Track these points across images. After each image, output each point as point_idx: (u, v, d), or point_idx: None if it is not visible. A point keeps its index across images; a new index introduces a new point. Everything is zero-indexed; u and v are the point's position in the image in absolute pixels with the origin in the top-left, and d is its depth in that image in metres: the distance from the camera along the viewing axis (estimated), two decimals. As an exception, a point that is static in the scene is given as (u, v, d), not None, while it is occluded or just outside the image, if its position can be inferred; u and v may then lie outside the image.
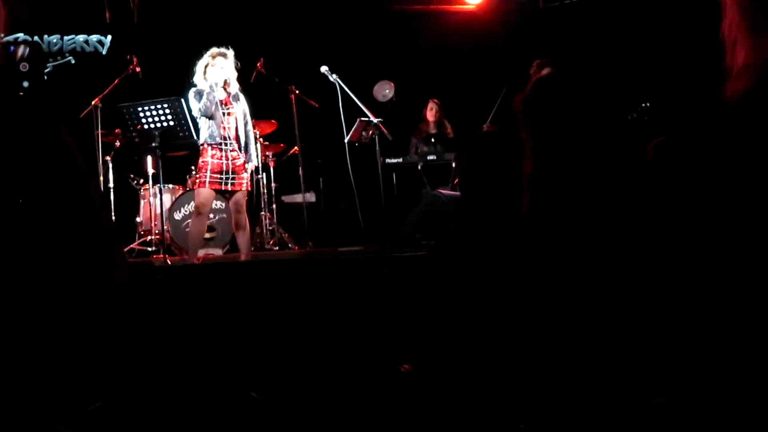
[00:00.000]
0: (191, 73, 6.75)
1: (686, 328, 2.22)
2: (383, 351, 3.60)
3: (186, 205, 8.53)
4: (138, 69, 7.92)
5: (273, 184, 9.38)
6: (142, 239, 8.67)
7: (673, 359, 2.26)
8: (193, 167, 8.49)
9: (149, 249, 8.55)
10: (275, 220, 9.19)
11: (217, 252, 8.55)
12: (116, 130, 8.34)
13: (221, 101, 6.70)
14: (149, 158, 8.68)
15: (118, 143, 8.63)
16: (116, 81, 7.90)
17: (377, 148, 8.08)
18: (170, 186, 8.80)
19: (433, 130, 9.40)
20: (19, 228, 2.15)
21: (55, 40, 10.14)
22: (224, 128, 6.69)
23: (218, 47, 6.77)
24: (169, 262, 6.76)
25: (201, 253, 7.38)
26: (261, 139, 8.90)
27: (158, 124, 6.60)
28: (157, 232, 8.39)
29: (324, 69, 7.82)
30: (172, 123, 6.58)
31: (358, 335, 3.98)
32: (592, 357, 2.41)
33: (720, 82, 2.30)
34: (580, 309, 2.44)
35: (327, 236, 9.42)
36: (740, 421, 2.06)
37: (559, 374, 2.45)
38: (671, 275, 2.28)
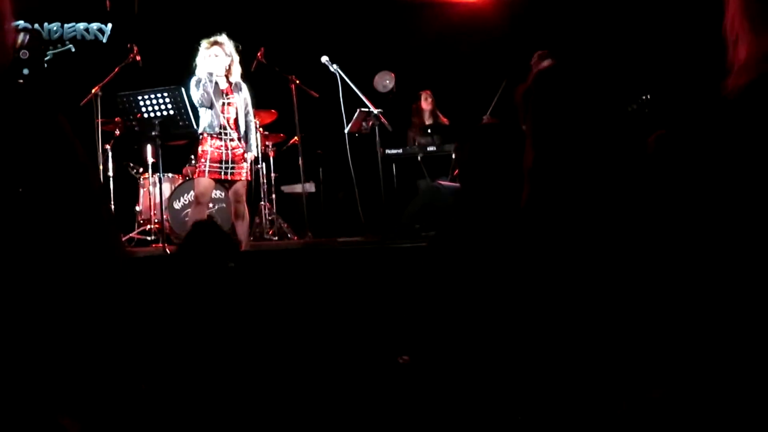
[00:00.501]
0: (192, 62, 6.74)
1: (684, 321, 2.22)
2: (381, 342, 3.60)
3: (185, 195, 8.52)
4: (138, 57, 7.90)
5: (273, 174, 9.37)
6: (142, 228, 8.67)
7: (670, 353, 2.26)
8: (192, 156, 8.48)
9: (148, 238, 8.55)
10: (275, 210, 9.18)
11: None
12: (116, 119, 8.32)
13: (222, 91, 6.69)
14: (149, 147, 8.67)
15: (117, 132, 8.61)
16: (116, 69, 7.88)
17: (377, 138, 8.07)
18: (170, 175, 8.79)
19: (428, 121, 9.39)
20: (18, 217, 2.15)
21: (55, 28, 10.12)
22: (224, 118, 6.68)
23: (215, 35, 6.75)
24: (168, 252, 6.76)
25: (200, 242, 7.36)
26: (261, 129, 8.89)
27: (158, 113, 6.58)
28: (156, 221, 8.38)
29: (324, 59, 7.81)
30: (172, 112, 6.57)
31: (357, 326, 3.99)
32: (590, 349, 2.41)
33: (721, 76, 2.30)
34: (578, 301, 2.44)
35: (326, 227, 9.42)
36: (736, 415, 2.06)
37: (557, 366, 2.45)
38: (670, 268, 2.29)
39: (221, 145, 6.66)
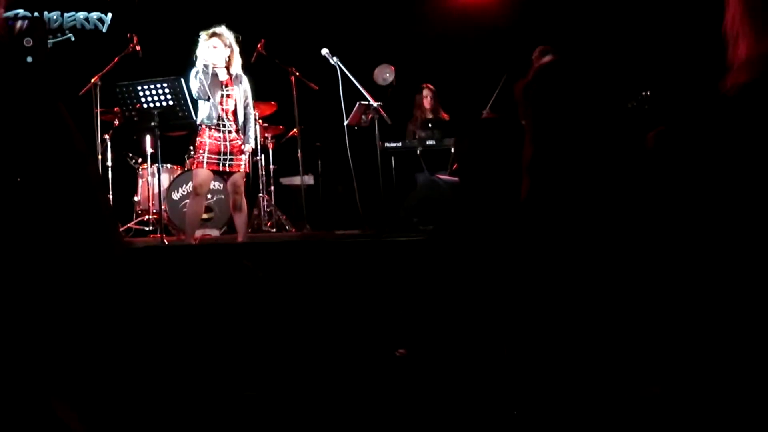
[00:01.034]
0: (192, 53, 6.73)
1: (683, 318, 2.22)
2: (378, 335, 3.61)
3: (184, 186, 8.52)
4: (138, 48, 7.88)
5: (271, 166, 9.38)
6: (140, 218, 8.68)
7: (668, 349, 2.27)
8: (191, 147, 8.48)
9: (146, 228, 8.56)
10: (273, 202, 9.19)
11: (214, 233, 8.55)
12: (115, 109, 8.32)
13: (222, 82, 6.68)
14: (148, 138, 8.67)
15: (117, 122, 8.62)
16: (116, 59, 7.88)
17: (376, 132, 8.07)
18: (168, 166, 8.79)
19: (429, 115, 9.39)
20: (15, 206, 2.15)
21: (55, 17, 10.11)
22: (223, 109, 6.68)
23: (214, 26, 6.75)
24: (166, 242, 6.76)
25: (198, 233, 7.38)
26: (260, 121, 8.89)
27: (157, 104, 6.58)
28: (154, 211, 8.39)
29: (325, 51, 7.81)
30: (171, 102, 6.56)
31: (354, 319, 3.99)
32: (588, 345, 2.41)
33: (721, 74, 2.30)
34: (577, 297, 2.44)
35: (324, 219, 9.43)
36: (734, 413, 2.07)
37: (554, 361, 2.46)
38: (668, 264, 2.29)
39: (220, 137, 6.65)
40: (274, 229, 8.93)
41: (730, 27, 2.35)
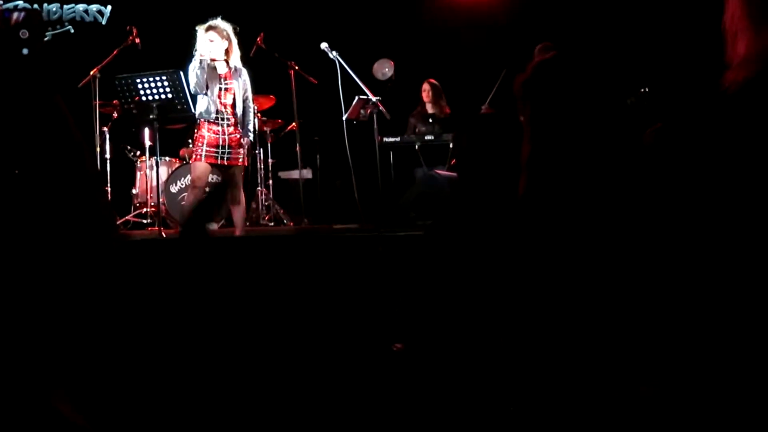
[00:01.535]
0: (191, 46, 6.72)
1: (678, 315, 2.22)
2: (375, 329, 3.60)
3: (182, 179, 8.52)
4: (138, 40, 7.87)
5: (270, 160, 9.37)
6: (138, 211, 8.67)
7: (664, 346, 2.27)
8: (190, 140, 8.47)
9: (145, 221, 8.56)
10: (271, 196, 9.19)
11: (212, 226, 8.54)
12: (114, 101, 8.32)
13: (220, 75, 6.68)
14: (146, 130, 8.66)
15: (115, 114, 8.61)
16: (115, 52, 7.86)
17: (375, 126, 8.07)
18: (167, 159, 8.79)
19: (430, 110, 9.38)
20: (12, 197, 2.15)
21: (54, 9, 10.10)
22: (221, 103, 6.67)
23: (211, 19, 6.73)
24: (164, 235, 6.76)
25: (196, 226, 7.36)
26: (259, 114, 8.88)
27: (156, 96, 6.58)
28: (152, 204, 8.38)
29: (324, 46, 7.80)
30: (170, 96, 6.56)
31: (351, 313, 3.99)
32: (584, 341, 2.42)
33: (719, 71, 2.30)
34: (573, 293, 2.44)
35: (322, 213, 9.42)
36: (727, 412, 2.07)
37: (550, 357, 2.46)
38: (664, 262, 2.29)
39: (218, 130, 6.64)
40: (272, 223, 8.93)
41: (729, 24, 2.35)
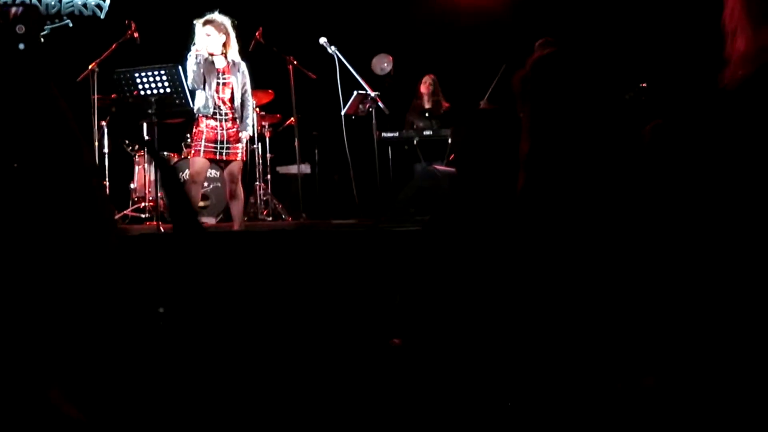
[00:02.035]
0: (190, 40, 6.71)
1: (677, 311, 2.23)
2: (373, 324, 3.61)
3: (180, 174, 8.51)
4: (136, 34, 7.86)
5: (268, 155, 9.36)
6: (136, 206, 8.67)
7: (663, 340, 2.27)
8: (188, 135, 8.47)
9: (143, 216, 8.55)
10: (269, 191, 9.18)
11: (211, 221, 8.55)
12: (112, 95, 8.31)
13: (218, 70, 6.67)
14: (145, 125, 8.65)
15: (114, 109, 8.60)
16: (114, 46, 7.85)
17: (373, 121, 8.07)
18: (165, 153, 8.78)
19: (428, 105, 9.38)
20: (10, 191, 2.15)
21: (53, 3, 10.09)
22: (219, 98, 6.67)
23: (208, 14, 6.72)
24: (162, 230, 6.76)
25: (194, 221, 7.37)
26: (257, 109, 8.88)
27: (155, 91, 6.57)
28: (150, 199, 8.38)
29: (323, 40, 7.80)
30: (168, 90, 6.55)
31: (349, 308, 3.99)
32: (582, 337, 2.42)
33: (718, 68, 2.30)
34: (571, 289, 2.45)
35: (321, 208, 9.42)
36: (726, 404, 2.07)
37: (549, 353, 2.46)
38: (663, 258, 2.29)
39: (216, 125, 6.65)
40: (271, 218, 8.93)
41: (728, 21, 2.35)
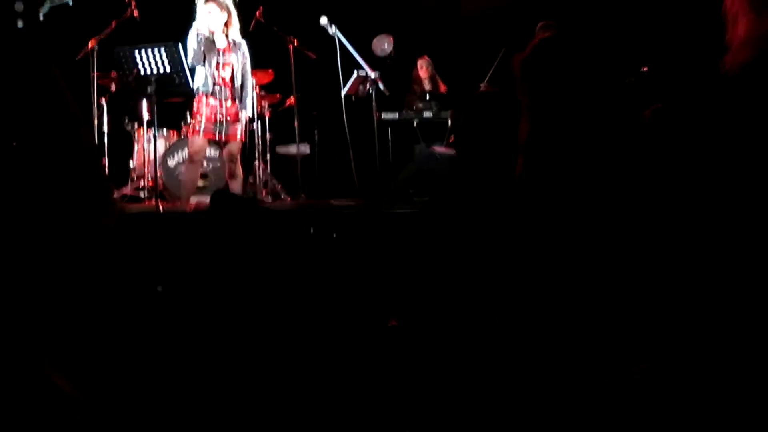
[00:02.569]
0: (191, 17, 6.69)
1: (674, 296, 2.23)
2: (370, 306, 3.61)
3: (180, 152, 8.50)
4: (136, 13, 7.82)
5: (268, 135, 9.34)
6: (135, 184, 8.66)
7: (658, 326, 2.28)
8: (188, 113, 8.45)
9: (142, 194, 8.54)
10: (269, 171, 9.17)
11: (205, 200, 8.53)
12: (112, 74, 8.28)
13: (219, 49, 6.65)
14: (144, 103, 8.62)
15: (113, 87, 8.58)
16: (113, 24, 7.81)
17: (374, 102, 8.05)
18: (165, 132, 8.76)
19: (427, 87, 9.36)
20: (10, 169, 2.15)
21: (52, -20, 10.03)
22: (220, 77, 6.65)
23: None
24: (161, 209, 6.76)
25: (193, 200, 7.37)
26: (257, 89, 8.85)
27: (155, 69, 6.55)
28: (150, 177, 8.37)
29: (323, 21, 7.76)
30: (168, 69, 6.53)
31: (346, 289, 4.00)
32: (579, 318, 2.43)
33: (719, 53, 2.30)
34: (568, 272, 2.45)
35: (320, 188, 9.41)
36: (720, 388, 2.08)
37: (545, 334, 2.47)
38: (661, 242, 2.30)
39: (216, 105, 6.64)
40: (270, 198, 8.92)
41: (729, 7, 2.35)
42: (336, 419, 2.64)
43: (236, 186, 6.92)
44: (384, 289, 3.58)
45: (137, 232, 4.57)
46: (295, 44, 8.07)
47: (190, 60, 6.52)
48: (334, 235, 4.21)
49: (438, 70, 9.54)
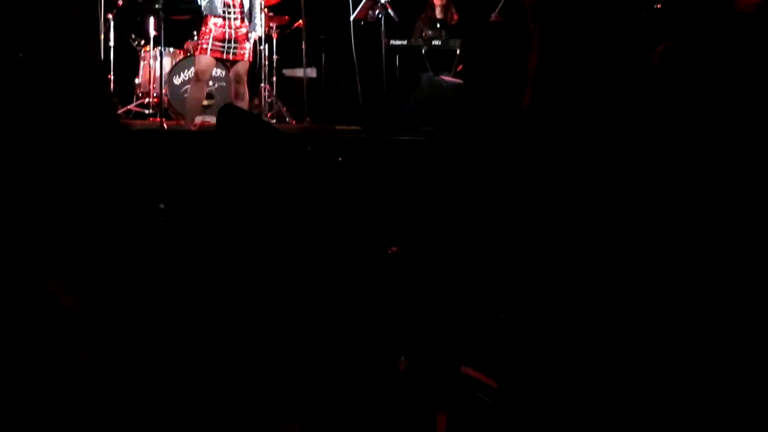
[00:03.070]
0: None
1: (677, 235, 2.24)
2: (371, 232, 3.63)
3: (186, 71, 8.45)
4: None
5: (275, 57, 9.27)
6: (140, 101, 8.63)
7: (659, 264, 2.29)
8: (195, 32, 8.38)
9: (146, 111, 8.52)
10: (274, 93, 9.12)
11: (214, 120, 8.49)
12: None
13: (229, -32, 6.58)
14: (151, 20, 8.54)
15: (120, 1, 8.50)
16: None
17: (382, 28, 7.98)
18: (171, 50, 8.70)
19: (439, 15, 9.26)
20: (16, 81, 2.14)
21: None
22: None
23: None
24: (166, 126, 6.75)
25: (198, 119, 7.35)
26: (266, 10, 8.76)
27: (162, -15, 6.49)
28: (155, 95, 8.34)
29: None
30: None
31: (348, 215, 4.01)
32: (581, 255, 2.44)
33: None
34: (572, 208, 2.46)
35: (325, 113, 9.37)
36: (717, 326, 2.10)
37: (547, 268, 2.48)
38: (667, 183, 2.30)
39: (225, 24, 6.57)
40: (275, 120, 8.89)
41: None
42: (331, 343, 2.67)
43: (242, 107, 6.88)
44: (386, 216, 3.59)
45: (141, 148, 4.56)
46: (306, -35, 7.98)
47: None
48: (340, 159, 4.20)
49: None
